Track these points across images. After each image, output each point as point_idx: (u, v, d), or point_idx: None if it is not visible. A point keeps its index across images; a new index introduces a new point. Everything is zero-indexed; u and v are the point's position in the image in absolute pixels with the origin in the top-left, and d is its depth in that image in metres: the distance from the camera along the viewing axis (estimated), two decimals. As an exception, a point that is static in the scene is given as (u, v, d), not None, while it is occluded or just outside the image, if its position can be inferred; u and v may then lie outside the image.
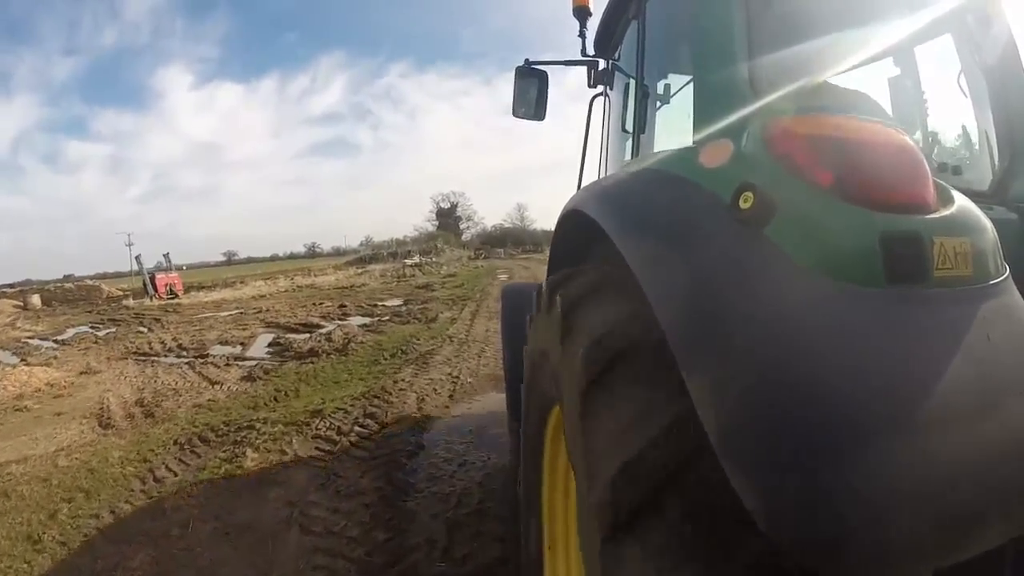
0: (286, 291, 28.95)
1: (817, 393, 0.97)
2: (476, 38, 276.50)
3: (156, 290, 30.87)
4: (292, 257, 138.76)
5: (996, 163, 2.15)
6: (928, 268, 1.12)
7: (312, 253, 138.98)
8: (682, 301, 1.19)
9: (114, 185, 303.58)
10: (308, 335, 13.12)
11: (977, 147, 2.33)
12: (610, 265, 1.62)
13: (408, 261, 38.96)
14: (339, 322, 15.19)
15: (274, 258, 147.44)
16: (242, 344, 13.15)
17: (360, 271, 38.95)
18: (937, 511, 0.93)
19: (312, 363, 9.95)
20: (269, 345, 12.60)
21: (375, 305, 18.11)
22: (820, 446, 0.93)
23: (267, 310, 19.49)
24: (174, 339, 14.72)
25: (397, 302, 18.66)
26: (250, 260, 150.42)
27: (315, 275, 40.00)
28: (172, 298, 30.39)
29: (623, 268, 1.39)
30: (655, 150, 2.47)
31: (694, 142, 1.77)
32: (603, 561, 1.15)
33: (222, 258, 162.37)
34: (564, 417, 1.57)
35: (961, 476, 0.95)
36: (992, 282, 1.19)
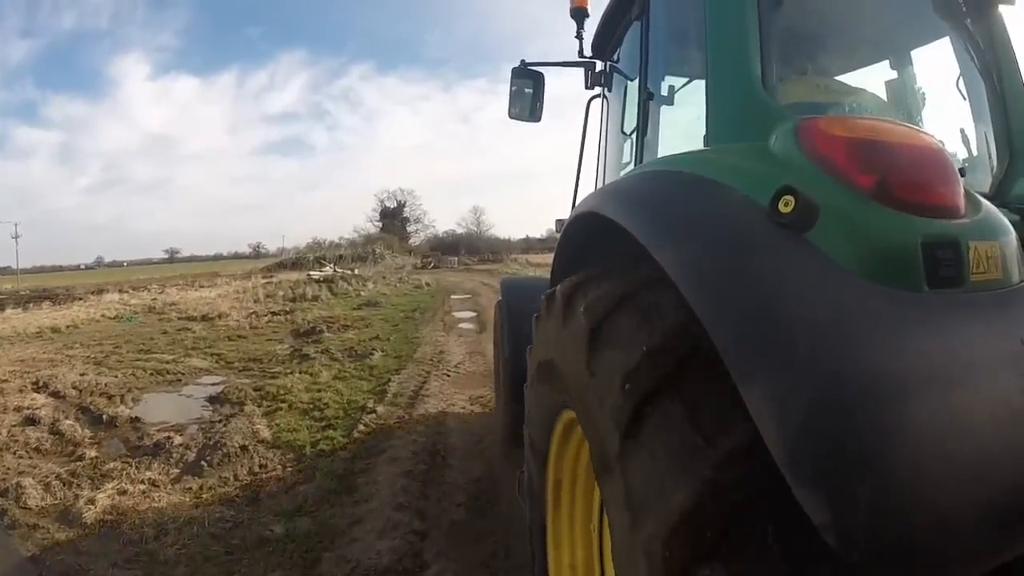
0: (97, 321, 16.83)
1: (880, 401, 0.92)
2: (440, 44, 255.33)
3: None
4: (236, 257, 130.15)
5: (995, 165, 2.08)
6: (966, 272, 1.10)
7: (256, 253, 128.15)
8: (732, 310, 1.10)
9: (63, 174, 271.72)
10: None
11: (976, 149, 2.25)
12: (630, 271, 1.51)
13: (315, 274, 25.33)
14: None
15: (217, 257, 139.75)
16: None
17: (265, 281, 26.71)
18: (993, 512, 0.89)
19: None
20: None
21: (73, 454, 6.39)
22: (886, 455, 0.88)
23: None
24: None
25: (164, 432, 7.01)
26: (193, 258, 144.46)
27: (199, 287, 27.71)
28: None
29: (644, 273, 1.39)
30: (659, 152, 2.45)
31: (708, 144, 1.76)
32: (622, 453, 1.17)
33: (164, 255, 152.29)
34: (572, 387, 1.54)
35: (1012, 476, 0.92)
36: (1019, 284, 1.18)
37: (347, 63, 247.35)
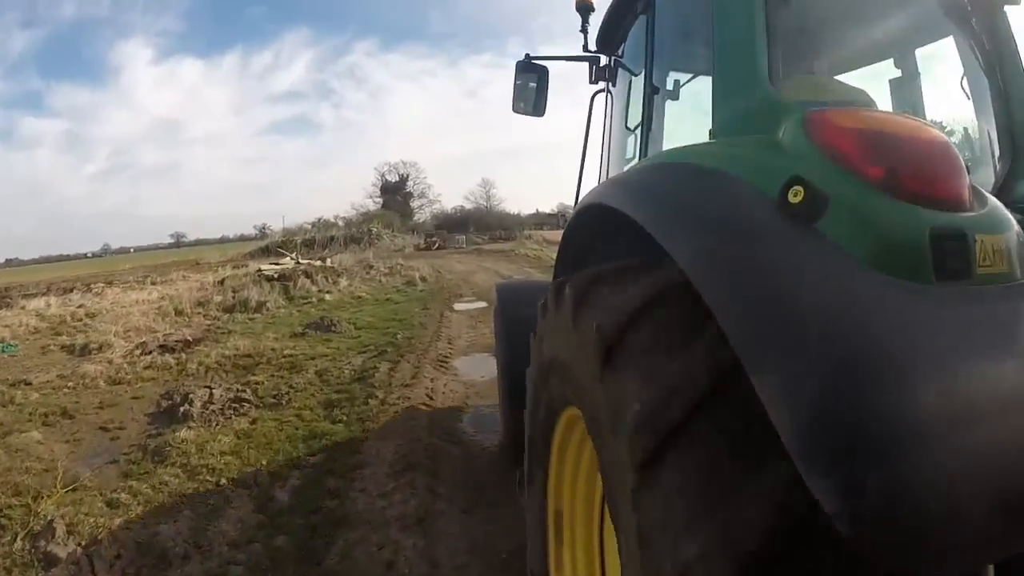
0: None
1: (889, 390, 0.89)
2: (445, 19, 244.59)
3: None
4: (243, 239, 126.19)
5: (998, 164, 2.02)
6: (973, 265, 1.08)
7: (262, 235, 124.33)
8: (743, 299, 1.07)
9: (70, 162, 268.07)
10: None
11: (979, 148, 2.23)
12: (646, 273, 1.46)
13: (267, 269, 18.74)
14: None
15: (223, 240, 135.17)
16: None
17: (226, 274, 21.59)
18: (1004, 501, 0.87)
19: None
20: None
21: None
22: (896, 444, 0.86)
23: None
24: None
25: None
26: (199, 242, 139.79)
27: (150, 283, 22.71)
28: None
29: (662, 278, 1.35)
30: (663, 147, 2.40)
31: (713, 136, 1.72)
32: (635, 491, 1.10)
33: (170, 240, 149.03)
34: (580, 390, 1.48)
35: (1020, 467, 0.89)
36: (1022, 280, 1.15)
37: (351, 40, 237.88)
